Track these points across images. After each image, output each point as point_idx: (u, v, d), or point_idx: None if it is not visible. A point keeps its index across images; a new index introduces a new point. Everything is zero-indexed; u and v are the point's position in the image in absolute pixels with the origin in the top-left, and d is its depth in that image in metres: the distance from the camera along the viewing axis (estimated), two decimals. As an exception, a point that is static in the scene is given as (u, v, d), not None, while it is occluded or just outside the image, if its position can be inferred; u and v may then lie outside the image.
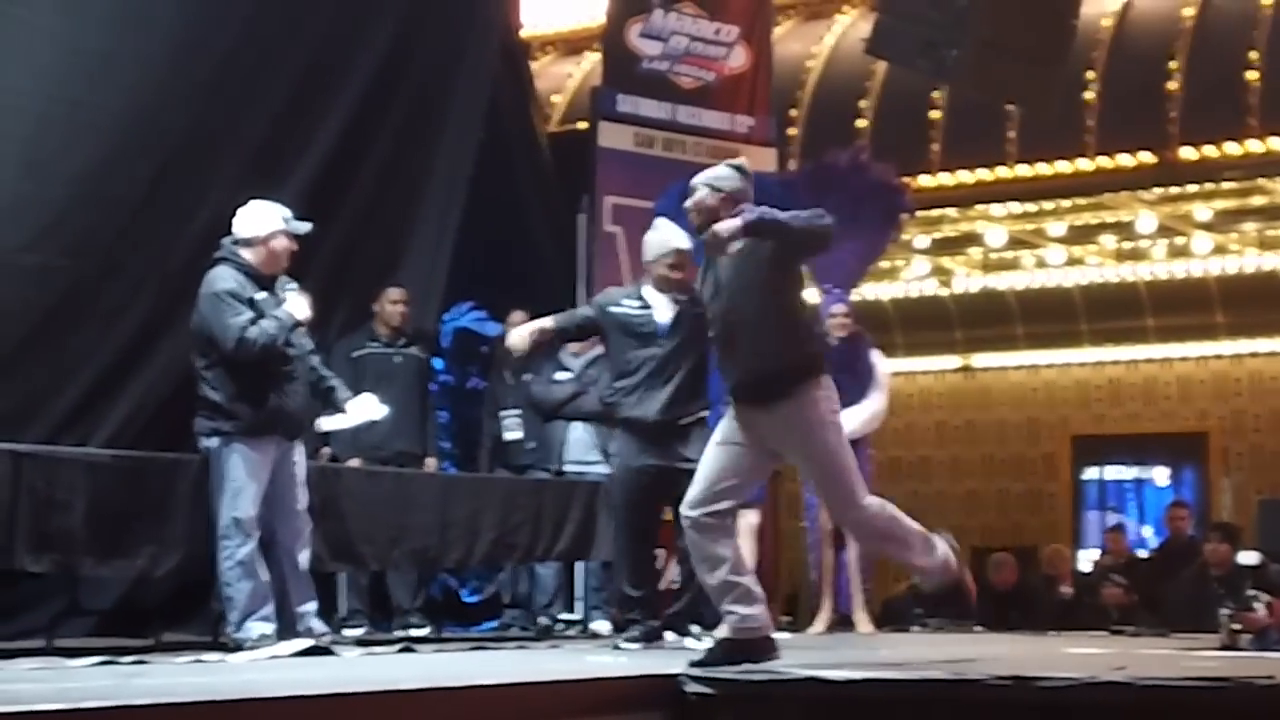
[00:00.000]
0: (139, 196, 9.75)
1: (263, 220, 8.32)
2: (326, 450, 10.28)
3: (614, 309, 8.89)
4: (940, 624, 12.45)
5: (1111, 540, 15.35)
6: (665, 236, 8.93)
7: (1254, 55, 14.23)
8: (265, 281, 8.31)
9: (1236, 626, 9.34)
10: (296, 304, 8.31)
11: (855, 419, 10.85)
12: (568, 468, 11.18)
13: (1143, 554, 15.72)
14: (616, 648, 8.58)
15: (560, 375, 11.18)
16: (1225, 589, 10.56)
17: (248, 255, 8.31)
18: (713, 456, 7.00)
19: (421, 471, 10.44)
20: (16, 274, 9.31)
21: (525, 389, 11.30)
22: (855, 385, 10.91)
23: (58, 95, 9.44)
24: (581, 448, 11.20)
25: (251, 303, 8.19)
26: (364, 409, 8.89)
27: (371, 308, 11.08)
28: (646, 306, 8.85)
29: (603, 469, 11.10)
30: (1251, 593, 9.62)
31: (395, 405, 10.65)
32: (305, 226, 8.44)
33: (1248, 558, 11.11)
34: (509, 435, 11.37)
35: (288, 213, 8.41)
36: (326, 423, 8.91)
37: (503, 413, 11.39)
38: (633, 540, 8.98)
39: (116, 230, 9.65)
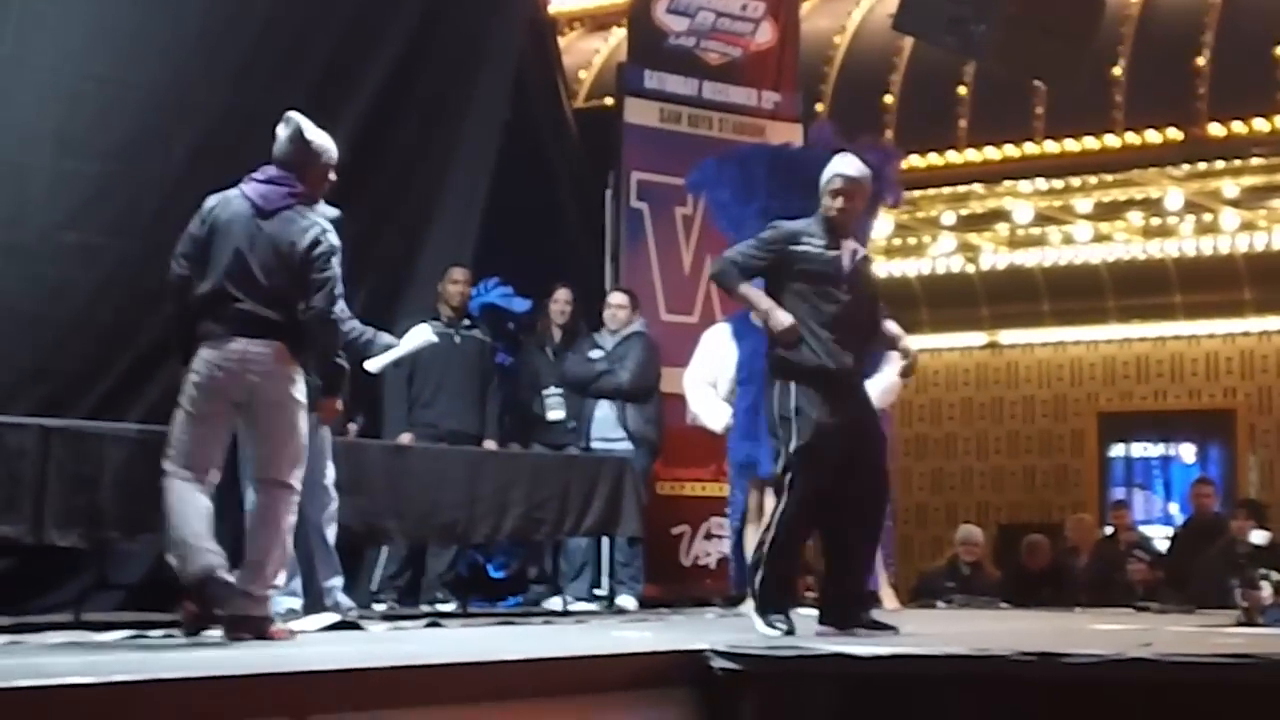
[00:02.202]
0: (174, 175, 9.76)
1: None
2: (353, 426, 10.30)
3: (796, 248, 7.90)
4: (966, 600, 12.49)
5: (1116, 517, 15.38)
6: (834, 165, 8.05)
7: (1283, 31, 14.19)
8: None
9: (1245, 604, 9.37)
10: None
11: (872, 390, 10.78)
12: (594, 445, 11.22)
13: (1151, 530, 15.80)
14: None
15: (593, 353, 11.24)
16: (1251, 566, 10.56)
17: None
18: None
19: (450, 447, 10.44)
20: (60, 252, 9.35)
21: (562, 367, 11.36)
22: (870, 357, 10.81)
23: (89, 73, 9.47)
24: (607, 425, 11.24)
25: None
26: (416, 336, 8.82)
27: (398, 285, 11.15)
28: (833, 247, 7.95)
29: (626, 445, 11.16)
30: (1261, 571, 9.63)
31: (453, 385, 10.75)
32: (331, 212, 8.41)
33: (1258, 537, 11.11)
34: (552, 415, 11.40)
35: None
36: (375, 361, 8.79)
37: (546, 392, 11.41)
38: (812, 511, 7.86)
39: (153, 208, 9.65)
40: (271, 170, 7.46)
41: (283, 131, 7.51)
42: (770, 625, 7.59)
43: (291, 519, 7.37)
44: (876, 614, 10.08)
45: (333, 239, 7.40)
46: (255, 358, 7.27)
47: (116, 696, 4.55)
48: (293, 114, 7.56)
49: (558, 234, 12.69)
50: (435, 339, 9.02)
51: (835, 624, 7.76)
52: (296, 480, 7.39)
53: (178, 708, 4.68)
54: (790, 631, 7.50)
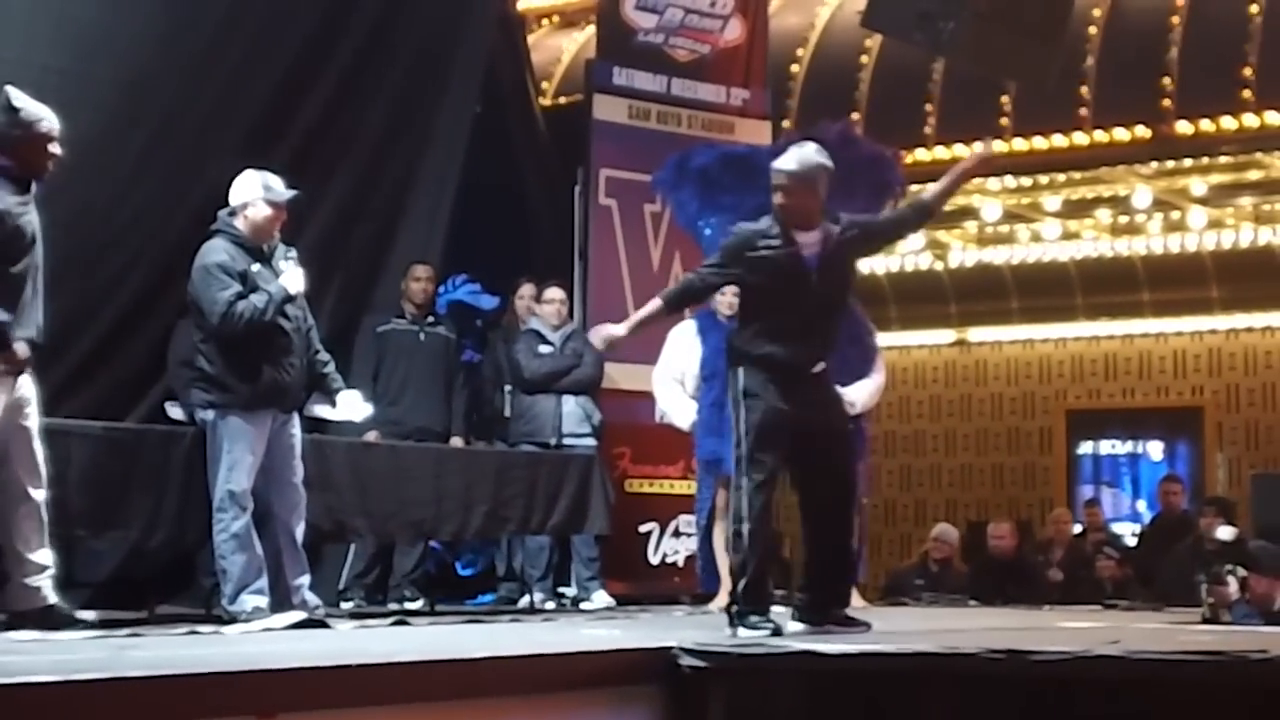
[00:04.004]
0: (133, 168, 9.73)
1: (242, 190, 8.29)
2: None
3: (754, 253, 7.76)
4: (935, 598, 12.49)
5: (1088, 515, 15.45)
6: (776, 161, 7.89)
7: (1250, 29, 14.20)
8: (259, 253, 8.28)
9: (1211, 600, 9.39)
10: (291, 277, 8.27)
11: (862, 392, 10.76)
12: (564, 440, 11.18)
13: (1119, 527, 15.87)
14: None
15: (543, 348, 11.19)
16: (1218, 562, 10.59)
17: (240, 225, 8.29)
18: None
19: (416, 444, 10.42)
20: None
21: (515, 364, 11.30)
22: (861, 358, 10.76)
23: (50, 65, 9.41)
24: (574, 420, 11.22)
25: (244, 276, 8.16)
26: (349, 407, 8.81)
27: (366, 282, 11.13)
28: (789, 243, 7.79)
29: (591, 440, 11.15)
30: (1227, 567, 9.66)
31: (417, 382, 10.76)
32: (287, 194, 8.37)
33: (1224, 533, 11.14)
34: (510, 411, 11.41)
35: (272, 180, 8.32)
36: (319, 410, 8.84)
37: (509, 388, 11.40)
38: (770, 494, 7.73)
39: (111, 202, 9.64)
40: None
41: None
42: (754, 627, 7.44)
43: None
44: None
45: None
46: None
47: (82, 695, 4.52)
48: (7, 87, 7.44)
49: (526, 231, 12.69)
50: (362, 417, 9.04)
51: (810, 621, 7.74)
52: None
53: (144, 706, 4.66)
54: (777, 631, 7.41)
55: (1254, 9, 14.25)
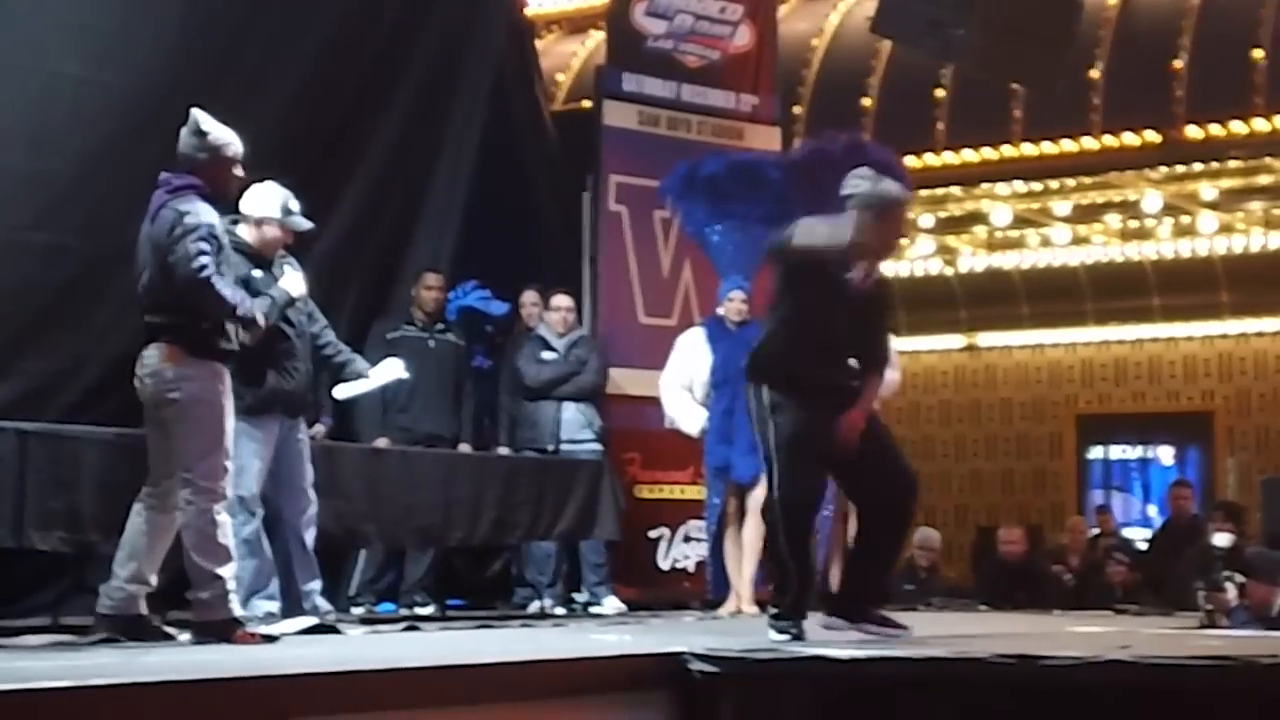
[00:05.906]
0: (147, 176, 9.71)
1: (261, 203, 8.29)
2: (321, 428, 10.18)
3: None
4: (944, 603, 12.49)
5: (1101, 521, 15.47)
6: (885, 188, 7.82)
7: (1260, 34, 14.20)
8: (261, 260, 8.29)
9: (1209, 606, 9.39)
10: (291, 281, 8.29)
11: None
12: (563, 447, 11.17)
13: (1130, 532, 15.89)
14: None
15: (546, 355, 11.20)
16: (1229, 569, 10.59)
17: (243, 233, 8.28)
18: None
19: (425, 450, 10.42)
20: (27, 252, 9.31)
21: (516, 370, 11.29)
22: None
23: (65, 72, 9.44)
24: (574, 426, 11.22)
25: (245, 282, 8.16)
26: (387, 370, 8.85)
27: (380, 288, 11.15)
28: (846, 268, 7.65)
29: (594, 446, 11.15)
30: (1225, 574, 9.66)
31: (428, 389, 10.74)
32: (305, 224, 8.40)
33: (1221, 539, 11.15)
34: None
35: (293, 204, 8.35)
36: (344, 389, 8.86)
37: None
38: (806, 505, 7.67)
39: (125, 210, 9.60)
40: (163, 174, 7.46)
41: (185, 128, 7.49)
42: (782, 631, 7.38)
43: (213, 517, 7.25)
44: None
45: (192, 220, 7.25)
46: (147, 362, 7.32)
47: (94, 700, 4.53)
48: (194, 110, 7.54)
49: (535, 237, 12.68)
50: (406, 375, 9.09)
51: (845, 616, 7.53)
52: (208, 479, 7.25)
53: (154, 712, 4.67)
54: (798, 637, 7.35)
55: (1265, 12, 14.26)
